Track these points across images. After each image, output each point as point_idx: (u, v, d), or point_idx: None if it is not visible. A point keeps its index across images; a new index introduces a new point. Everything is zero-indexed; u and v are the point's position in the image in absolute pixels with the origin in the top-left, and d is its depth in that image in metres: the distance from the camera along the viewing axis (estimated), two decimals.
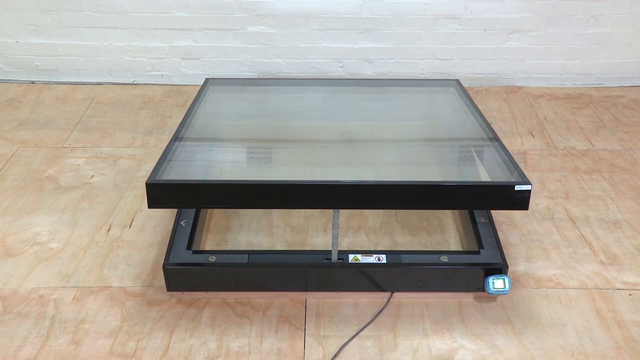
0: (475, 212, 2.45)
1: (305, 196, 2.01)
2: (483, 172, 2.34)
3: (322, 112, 2.99)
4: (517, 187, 1.94)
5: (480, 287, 2.20)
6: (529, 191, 1.95)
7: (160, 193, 1.97)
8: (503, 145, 2.33)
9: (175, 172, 2.16)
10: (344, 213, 2.71)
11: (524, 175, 2.03)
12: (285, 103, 3.09)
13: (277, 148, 2.73)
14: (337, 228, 2.15)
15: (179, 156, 2.31)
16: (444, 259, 2.21)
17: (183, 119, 2.54)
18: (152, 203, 1.98)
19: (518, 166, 2.11)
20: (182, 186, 2.01)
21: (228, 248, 2.52)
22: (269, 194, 2.02)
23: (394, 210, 2.74)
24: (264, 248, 2.52)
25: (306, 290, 2.25)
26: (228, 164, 2.56)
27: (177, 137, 2.38)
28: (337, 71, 3.90)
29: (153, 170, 2.07)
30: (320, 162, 2.58)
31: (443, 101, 3.03)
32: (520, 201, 1.97)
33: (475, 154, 2.50)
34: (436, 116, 2.95)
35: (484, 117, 2.61)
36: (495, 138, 2.40)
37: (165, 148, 2.27)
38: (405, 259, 2.21)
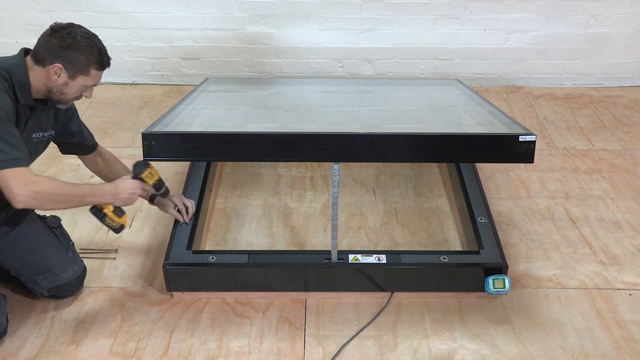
0: (475, 211, 2.45)
1: (305, 147, 1.98)
2: (488, 130, 2.32)
3: (322, 98, 3.00)
4: (521, 138, 1.93)
5: (480, 287, 2.20)
6: (533, 142, 1.92)
7: (155, 143, 1.96)
8: (507, 115, 2.33)
9: (172, 128, 2.17)
10: (343, 213, 2.71)
11: (528, 129, 2.02)
12: (284, 95, 3.10)
13: (273, 111, 2.73)
14: (337, 186, 2.09)
15: (176, 118, 2.32)
16: (444, 259, 2.21)
17: (178, 102, 2.56)
18: (148, 154, 1.98)
19: (523, 126, 2.10)
20: (177, 136, 2.00)
21: (228, 248, 2.52)
22: (266, 145, 1.99)
23: (394, 210, 2.75)
24: (264, 248, 2.52)
25: (306, 290, 2.25)
26: (224, 124, 2.55)
27: (174, 108, 2.41)
28: (337, 71, 3.89)
29: (150, 126, 2.08)
30: (319, 121, 2.57)
31: (447, 90, 3.05)
32: (525, 154, 1.94)
33: (480, 117, 2.49)
34: (442, 98, 2.96)
35: (488, 100, 2.62)
36: (499, 110, 2.40)
37: (162, 115, 2.29)
38: (405, 259, 2.21)
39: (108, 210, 2.07)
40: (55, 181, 1.91)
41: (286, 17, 3.68)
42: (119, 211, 2.10)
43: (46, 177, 1.89)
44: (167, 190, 2.26)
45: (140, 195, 2.15)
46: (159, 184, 2.20)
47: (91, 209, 2.06)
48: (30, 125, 1.99)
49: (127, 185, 2.09)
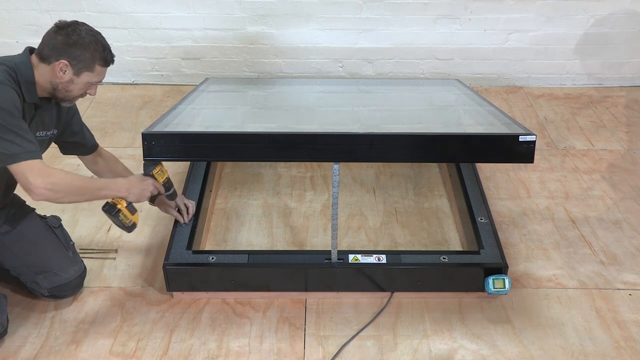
0: (475, 211, 2.45)
1: (305, 147, 1.97)
2: (488, 130, 2.32)
3: (322, 98, 3.00)
4: (521, 138, 1.93)
5: (480, 287, 2.20)
6: (533, 142, 1.92)
7: (155, 143, 1.97)
8: (507, 115, 2.33)
9: (172, 128, 2.17)
10: (343, 213, 2.71)
11: (528, 129, 2.02)
12: (284, 95, 3.09)
13: (273, 111, 2.73)
14: (337, 186, 2.09)
15: (176, 118, 2.32)
16: (444, 259, 2.21)
17: (178, 102, 2.56)
18: (148, 154, 1.98)
19: (523, 126, 2.10)
20: (177, 136, 2.00)
21: (228, 248, 2.52)
22: (266, 145, 1.99)
23: (394, 210, 2.75)
24: (264, 248, 2.52)
25: (306, 290, 2.25)
26: (224, 124, 2.55)
27: (174, 108, 2.41)
28: (337, 71, 3.89)
29: (150, 126, 2.08)
30: (319, 121, 2.57)
31: (447, 90, 3.05)
32: (525, 153, 1.94)
33: (480, 117, 2.49)
34: (442, 98, 2.96)
35: (488, 100, 2.62)
36: (499, 110, 2.40)
37: (162, 115, 2.29)
38: (405, 259, 2.21)
39: (122, 206, 2.05)
40: (70, 173, 1.92)
41: (286, 17, 3.68)
42: (131, 207, 2.08)
43: (61, 170, 1.90)
44: (175, 193, 2.27)
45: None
46: (168, 184, 2.21)
47: (104, 207, 2.04)
48: (34, 124, 2.00)
49: (140, 180, 2.10)
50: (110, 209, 2.04)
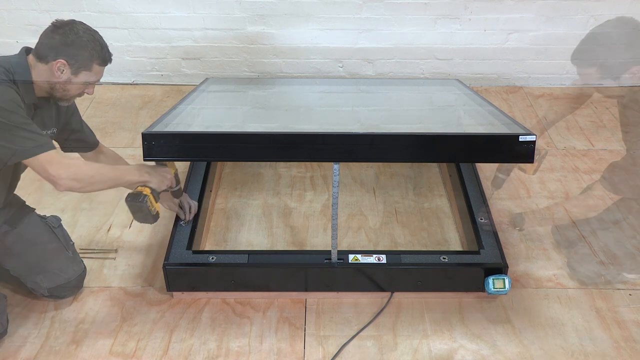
0: (475, 211, 2.45)
1: (305, 147, 1.97)
2: (488, 130, 2.31)
3: (322, 98, 3.00)
4: (521, 138, 1.93)
5: (480, 287, 2.20)
6: (533, 142, 1.92)
7: (155, 143, 1.96)
8: (507, 115, 2.33)
9: (172, 128, 2.16)
10: (343, 213, 2.71)
11: (528, 129, 2.01)
12: (284, 95, 3.09)
13: (273, 111, 2.73)
14: (337, 186, 2.09)
15: (176, 118, 2.31)
16: (444, 259, 2.21)
17: (178, 102, 2.56)
18: (148, 154, 1.97)
19: (523, 126, 2.10)
20: (177, 136, 2.00)
21: (228, 248, 2.52)
22: (266, 145, 1.99)
23: (394, 210, 2.74)
24: (264, 248, 2.52)
25: (306, 290, 2.25)
26: (224, 124, 2.54)
27: (174, 108, 2.41)
28: (337, 71, 3.89)
29: (150, 126, 2.08)
30: (319, 121, 2.56)
31: (447, 90, 3.05)
32: (525, 153, 1.94)
33: (480, 117, 2.48)
34: (442, 98, 2.96)
35: (488, 100, 2.62)
36: (499, 110, 2.40)
37: (162, 115, 2.28)
38: (405, 259, 2.21)
39: (147, 192, 1.98)
40: (89, 162, 1.90)
41: (286, 17, 3.68)
42: (155, 194, 2.02)
43: (78, 159, 1.88)
44: (181, 190, 2.27)
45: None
46: (177, 178, 2.21)
47: (127, 198, 1.98)
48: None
49: (156, 166, 2.09)
50: (137, 197, 1.96)
